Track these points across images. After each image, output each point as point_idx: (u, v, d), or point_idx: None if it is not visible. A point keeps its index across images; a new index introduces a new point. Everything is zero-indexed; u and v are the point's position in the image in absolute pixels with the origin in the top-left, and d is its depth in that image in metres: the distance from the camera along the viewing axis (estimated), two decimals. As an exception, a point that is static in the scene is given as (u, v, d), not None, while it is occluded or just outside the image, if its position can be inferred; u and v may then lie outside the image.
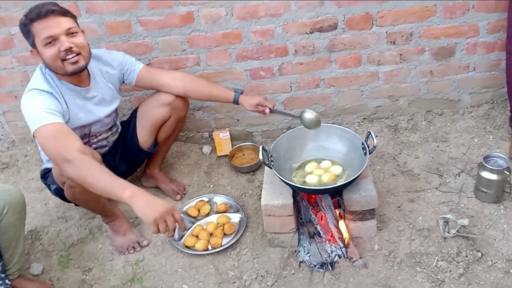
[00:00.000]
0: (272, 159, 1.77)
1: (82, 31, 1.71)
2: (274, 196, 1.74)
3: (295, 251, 1.76)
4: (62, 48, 1.59)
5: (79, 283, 1.79)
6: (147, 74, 1.93)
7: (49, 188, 1.90)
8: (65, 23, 1.61)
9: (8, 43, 2.22)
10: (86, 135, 1.86)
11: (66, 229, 2.03)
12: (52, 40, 1.59)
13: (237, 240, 1.85)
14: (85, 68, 1.70)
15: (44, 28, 1.58)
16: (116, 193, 1.38)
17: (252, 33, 2.15)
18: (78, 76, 1.72)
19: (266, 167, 1.84)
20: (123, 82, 1.95)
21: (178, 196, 2.14)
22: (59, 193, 1.84)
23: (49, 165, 1.87)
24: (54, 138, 1.51)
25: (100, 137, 1.93)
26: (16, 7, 2.09)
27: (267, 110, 1.86)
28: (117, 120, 2.03)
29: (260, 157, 1.71)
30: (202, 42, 2.18)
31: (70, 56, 1.62)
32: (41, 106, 1.59)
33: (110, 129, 1.97)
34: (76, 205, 2.05)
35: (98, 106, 1.85)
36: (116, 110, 1.97)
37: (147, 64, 2.13)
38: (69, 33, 1.62)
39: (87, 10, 2.09)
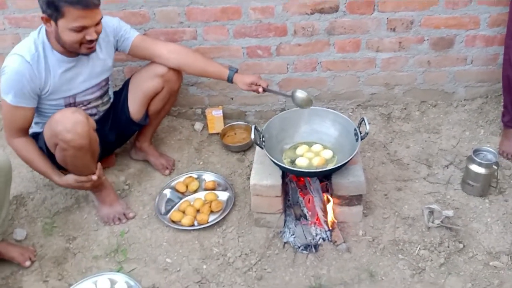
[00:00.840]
0: (263, 139, 1.76)
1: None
2: (263, 176, 1.74)
3: (281, 231, 1.77)
4: (89, 38, 1.63)
5: (62, 251, 1.79)
6: (142, 43, 1.89)
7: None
8: (98, 15, 1.64)
9: (0, 4, 2.14)
10: (70, 104, 1.82)
11: (52, 196, 2.02)
12: (82, 29, 1.60)
13: (224, 218, 1.86)
14: None
15: (81, 17, 1.58)
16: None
17: (252, 9, 2.11)
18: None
19: (257, 147, 1.83)
20: (117, 50, 1.91)
21: (167, 171, 2.13)
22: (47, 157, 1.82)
23: (37, 129, 1.85)
24: (12, 117, 1.70)
25: (89, 106, 1.89)
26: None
27: (261, 89, 1.84)
28: (109, 89, 1.99)
29: (252, 136, 1.70)
30: (200, 16, 2.13)
31: (91, 44, 1.67)
32: (15, 79, 1.63)
33: (100, 97, 1.93)
34: (65, 171, 2.04)
35: (86, 77, 1.81)
36: (106, 80, 1.93)
37: (143, 34, 2.08)
38: (97, 24, 1.64)
39: (82, -26, 2.02)
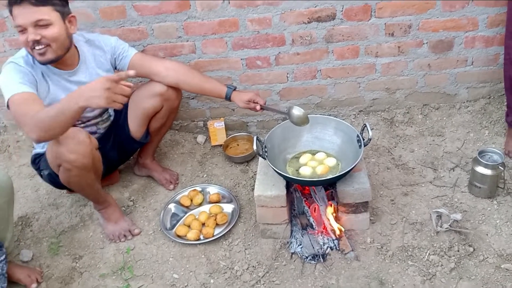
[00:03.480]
0: (266, 149, 1.76)
1: (72, 16, 1.67)
2: (267, 187, 1.72)
3: (287, 242, 1.75)
4: (28, 39, 1.57)
5: (69, 271, 1.77)
6: (139, 61, 1.89)
7: (41, 173, 1.88)
8: (36, 13, 1.55)
9: (0, 26, 2.17)
10: None
11: (57, 216, 2.01)
12: (22, 29, 1.57)
13: (229, 230, 1.84)
14: (56, 59, 1.66)
15: (17, 15, 1.56)
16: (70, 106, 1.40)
17: (249, 21, 2.12)
18: (60, 62, 1.70)
19: (260, 158, 1.82)
20: (115, 68, 1.91)
21: (171, 186, 2.12)
22: (51, 178, 1.82)
23: (40, 150, 1.85)
24: (24, 104, 1.53)
25: (88, 123, 1.90)
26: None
27: (258, 107, 1.84)
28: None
29: (254, 147, 1.69)
30: (198, 30, 2.14)
31: (37, 48, 1.59)
32: (15, 77, 1.60)
33: (100, 115, 1.93)
34: (68, 191, 2.04)
35: None
36: None
37: (142, 51, 2.10)
38: (39, 25, 1.57)
39: (80, -6, 2.05)
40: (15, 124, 2.46)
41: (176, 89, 1.94)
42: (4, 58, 2.22)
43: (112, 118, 2.01)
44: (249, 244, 1.79)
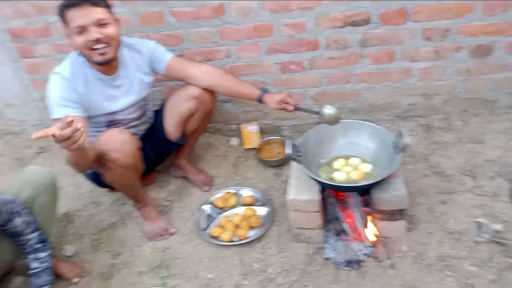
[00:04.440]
0: (300, 154, 1.76)
1: (118, 19, 1.74)
2: (300, 191, 1.73)
3: (321, 247, 1.76)
4: (90, 39, 1.64)
5: (108, 267, 1.84)
6: (176, 65, 1.94)
7: (84, 172, 1.96)
8: (96, 13, 1.64)
9: (45, 31, 2.28)
10: (111, 122, 1.89)
11: (97, 213, 2.10)
12: (82, 30, 1.63)
13: (263, 233, 1.86)
14: (111, 60, 1.73)
15: (76, 17, 1.62)
16: None
17: (283, 26, 2.13)
18: (108, 65, 1.77)
19: (293, 162, 1.83)
20: (153, 71, 1.97)
21: (206, 187, 2.17)
22: (94, 177, 1.90)
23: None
24: None
25: (129, 125, 1.96)
26: (54, -4, 2.14)
27: (290, 107, 1.85)
28: (148, 109, 2.06)
29: (288, 151, 1.70)
30: (233, 35, 2.18)
31: (98, 47, 1.66)
32: (58, 97, 1.69)
33: (139, 117, 2.00)
34: (109, 189, 2.11)
35: (124, 95, 1.88)
36: (145, 100, 1.99)
37: (179, 56, 2.15)
38: (99, 24, 1.65)
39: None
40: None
41: (211, 92, 1.98)
42: (50, 62, 2.36)
43: (152, 120, 2.08)
44: (282, 248, 1.80)
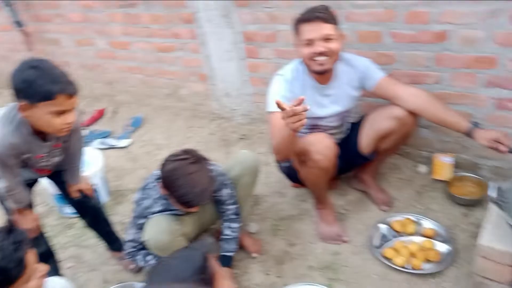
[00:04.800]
0: (505, 200, 1.62)
1: (342, 35, 1.91)
2: (495, 238, 1.60)
3: (506, 306, 1.59)
4: (315, 51, 1.83)
5: (283, 253, 2.05)
6: (385, 84, 2.00)
7: (279, 164, 2.21)
8: (325, 29, 1.82)
9: (272, 37, 2.63)
10: (313, 125, 2.07)
11: (281, 203, 2.35)
12: (309, 42, 1.84)
13: (440, 270, 1.78)
14: (327, 70, 1.91)
15: (307, 30, 1.83)
16: None
17: (510, 60, 1.96)
18: (323, 75, 1.94)
19: (490, 206, 1.69)
20: (362, 87, 2.08)
21: (385, 207, 2.18)
22: (287, 171, 2.13)
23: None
24: (277, 127, 1.80)
25: (328, 132, 2.10)
26: (288, 8, 2.45)
27: (503, 148, 1.71)
28: (348, 121, 2.19)
29: (492, 194, 1.59)
30: (449, 62, 2.11)
31: (320, 58, 1.85)
32: (278, 94, 1.90)
33: (338, 127, 2.14)
34: (296, 184, 2.33)
35: (331, 104, 2.04)
36: (348, 112, 2.12)
37: (388, 75, 2.21)
38: (326, 39, 1.83)
39: (346, 17, 2.29)
40: (262, 118, 2.94)
41: (415, 115, 1.98)
42: (269, 64, 2.73)
43: (348, 131, 2.20)
44: (459, 291, 1.70)
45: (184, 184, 1.63)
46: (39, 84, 1.39)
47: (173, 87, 3.34)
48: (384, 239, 2.01)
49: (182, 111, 3.34)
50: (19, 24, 3.74)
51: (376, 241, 2.00)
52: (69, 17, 3.55)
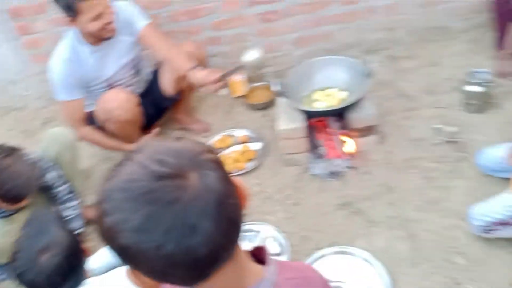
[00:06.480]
0: (285, 91, 2.04)
1: None
2: (288, 122, 2.02)
3: (308, 167, 2.06)
4: (106, 21, 1.88)
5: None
6: (147, 34, 2.07)
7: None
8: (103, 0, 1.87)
9: (41, 7, 2.46)
10: (109, 85, 2.12)
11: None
12: (98, 16, 1.87)
13: (259, 164, 2.16)
14: None
15: (91, 6, 1.84)
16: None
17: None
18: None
19: (277, 102, 2.12)
20: (133, 32, 2.10)
21: (205, 133, 2.44)
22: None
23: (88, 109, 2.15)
24: (67, 113, 2.02)
25: (126, 84, 2.17)
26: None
27: (213, 86, 1.96)
28: (143, 67, 2.27)
29: (277, 88, 1.99)
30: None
31: (110, 27, 1.92)
32: (60, 79, 1.96)
33: (133, 76, 2.20)
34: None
35: (115, 60, 2.10)
36: (136, 59, 2.18)
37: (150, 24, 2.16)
38: (108, 8, 1.90)
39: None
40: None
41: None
42: (48, 36, 2.52)
43: (149, 78, 2.30)
44: (276, 172, 2.10)
45: (6, 179, 1.56)
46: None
47: None
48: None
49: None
50: None
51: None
52: None
